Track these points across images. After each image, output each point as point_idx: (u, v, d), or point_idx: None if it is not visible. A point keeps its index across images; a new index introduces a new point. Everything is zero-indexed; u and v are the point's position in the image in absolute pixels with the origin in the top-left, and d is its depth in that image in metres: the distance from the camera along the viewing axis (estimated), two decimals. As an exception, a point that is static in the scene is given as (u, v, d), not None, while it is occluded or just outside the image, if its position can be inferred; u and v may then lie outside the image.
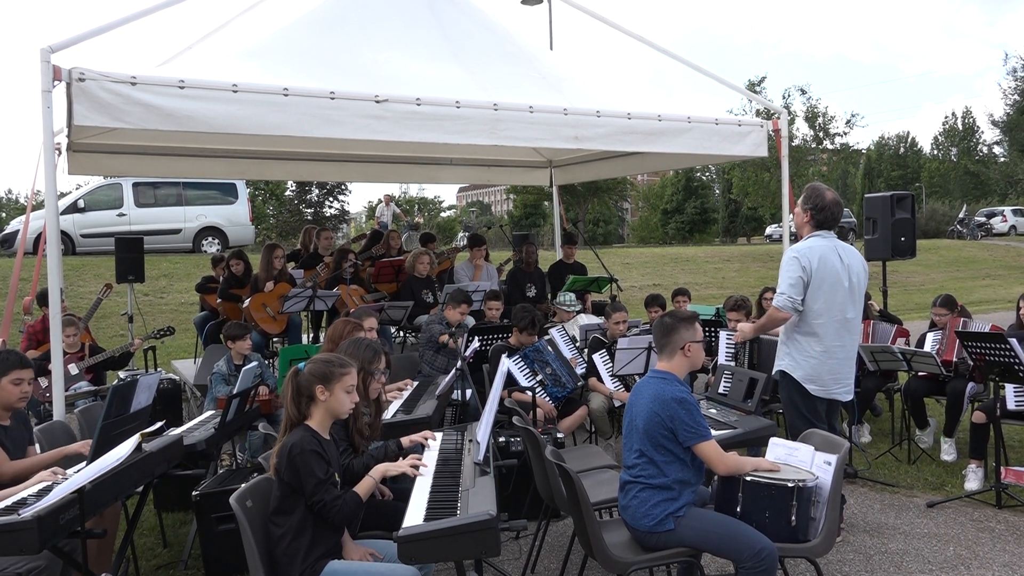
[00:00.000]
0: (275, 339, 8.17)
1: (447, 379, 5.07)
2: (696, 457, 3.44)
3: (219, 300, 8.53)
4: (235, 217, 18.80)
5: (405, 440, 3.82)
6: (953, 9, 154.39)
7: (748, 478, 3.44)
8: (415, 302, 8.13)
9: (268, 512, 3.13)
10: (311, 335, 8.63)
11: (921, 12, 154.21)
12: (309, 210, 39.89)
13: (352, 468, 3.54)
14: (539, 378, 6.00)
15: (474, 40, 6.81)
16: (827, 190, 4.69)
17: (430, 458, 3.60)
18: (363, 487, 3.23)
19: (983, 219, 36.01)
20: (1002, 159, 51.81)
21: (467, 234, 20.47)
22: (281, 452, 3.11)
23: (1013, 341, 5.00)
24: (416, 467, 3.39)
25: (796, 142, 35.51)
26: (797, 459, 3.62)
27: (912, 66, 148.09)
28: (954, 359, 6.18)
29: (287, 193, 41.54)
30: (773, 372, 4.82)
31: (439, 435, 3.97)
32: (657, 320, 3.72)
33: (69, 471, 3.60)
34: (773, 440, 3.82)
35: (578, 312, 8.11)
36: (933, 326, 6.73)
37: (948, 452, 6.19)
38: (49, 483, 3.38)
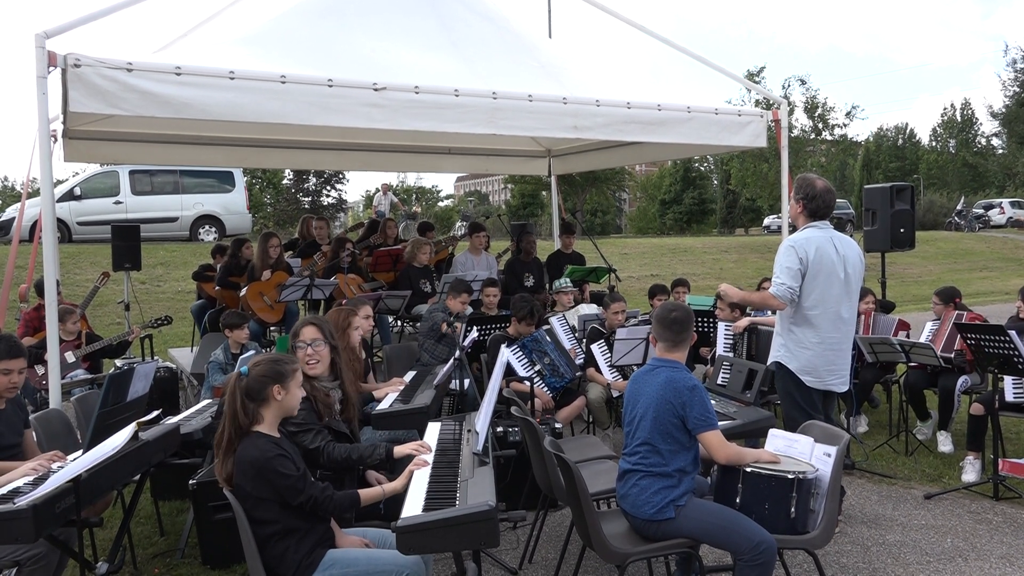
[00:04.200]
0: (272, 328, 8.15)
1: (445, 368, 5.05)
2: (695, 447, 3.44)
3: (217, 288, 8.50)
4: (232, 205, 18.73)
5: (397, 449, 3.56)
6: (948, 1, 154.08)
7: (748, 469, 3.43)
8: (413, 292, 8.10)
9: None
10: (308, 324, 8.59)
11: (915, 4, 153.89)
12: (307, 199, 39.82)
13: (333, 454, 3.47)
14: (537, 368, 5.98)
15: (473, 29, 6.76)
16: (817, 179, 4.65)
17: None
18: (368, 495, 3.19)
19: (981, 211, 36.02)
20: (1000, 151, 51.85)
21: (465, 223, 20.41)
22: (239, 467, 2.97)
23: (1013, 333, 5.00)
24: (421, 460, 3.35)
25: (795, 133, 35.46)
26: (797, 451, 3.61)
27: (907, 58, 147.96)
28: (939, 352, 6.07)
29: (284, 182, 41.46)
30: (768, 363, 4.79)
31: (435, 437, 3.83)
32: (667, 314, 3.58)
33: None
34: (772, 432, 3.82)
35: (576, 298, 8.08)
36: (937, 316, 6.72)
37: (944, 444, 6.20)
38: (44, 472, 3.37)
